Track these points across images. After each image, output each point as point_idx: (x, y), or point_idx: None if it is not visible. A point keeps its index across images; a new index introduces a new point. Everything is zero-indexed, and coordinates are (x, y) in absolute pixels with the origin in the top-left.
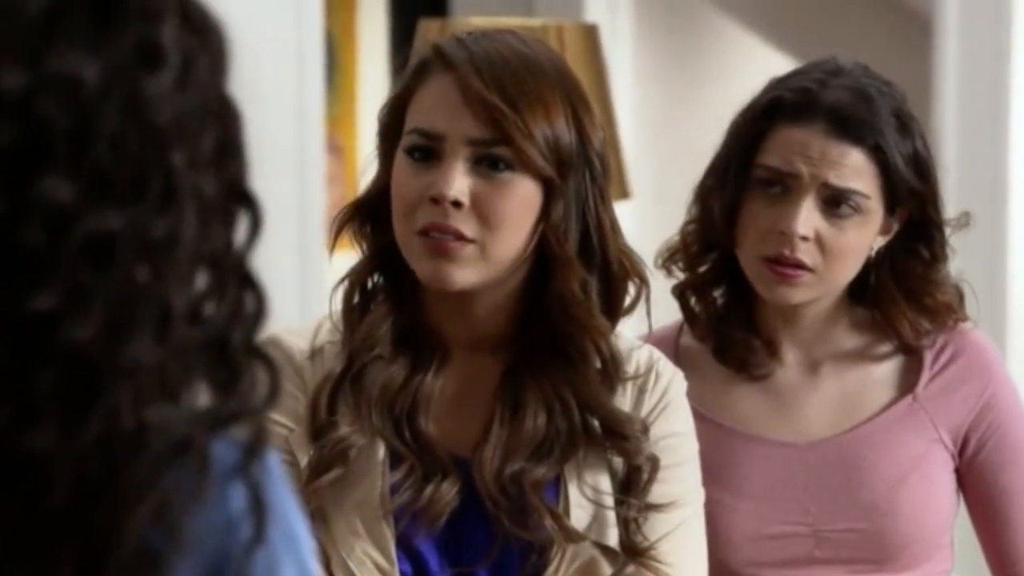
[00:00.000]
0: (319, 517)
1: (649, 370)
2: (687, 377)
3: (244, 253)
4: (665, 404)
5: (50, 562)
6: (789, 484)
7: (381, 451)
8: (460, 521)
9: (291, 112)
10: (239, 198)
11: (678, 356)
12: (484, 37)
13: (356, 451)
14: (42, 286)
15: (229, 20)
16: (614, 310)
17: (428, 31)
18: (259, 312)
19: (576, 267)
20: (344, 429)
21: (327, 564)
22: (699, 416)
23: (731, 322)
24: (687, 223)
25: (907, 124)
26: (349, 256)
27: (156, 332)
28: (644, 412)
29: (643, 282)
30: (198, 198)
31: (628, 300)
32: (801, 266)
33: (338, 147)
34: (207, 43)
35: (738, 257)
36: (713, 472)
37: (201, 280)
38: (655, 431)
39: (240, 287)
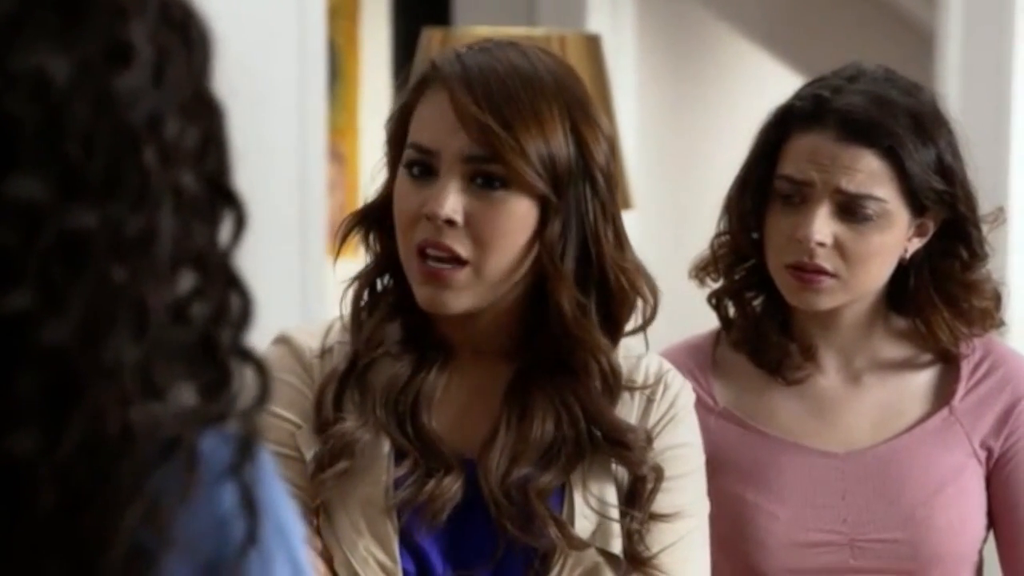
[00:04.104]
0: (324, 513)
1: (658, 381)
2: (724, 385)
3: (228, 252)
4: (673, 415)
5: (40, 567)
6: (827, 492)
7: (386, 447)
8: (464, 523)
9: (293, 120)
10: (222, 196)
11: (715, 364)
12: (482, 51)
13: (362, 446)
14: (16, 286)
15: (232, 29)
16: (614, 327)
17: (431, 40)
18: (245, 313)
19: (568, 285)
20: (350, 423)
21: (330, 562)
22: (738, 422)
23: (767, 326)
24: (717, 236)
25: (927, 126)
26: (349, 262)
27: (135, 332)
28: (651, 422)
29: (643, 299)
30: (176, 196)
31: (641, 317)
32: (822, 271)
33: (340, 155)
34: (187, 40)
35: (767, 267)
36: (752, 478)
37: (186, 280)
38: (662, 441)
39: (225, 287)
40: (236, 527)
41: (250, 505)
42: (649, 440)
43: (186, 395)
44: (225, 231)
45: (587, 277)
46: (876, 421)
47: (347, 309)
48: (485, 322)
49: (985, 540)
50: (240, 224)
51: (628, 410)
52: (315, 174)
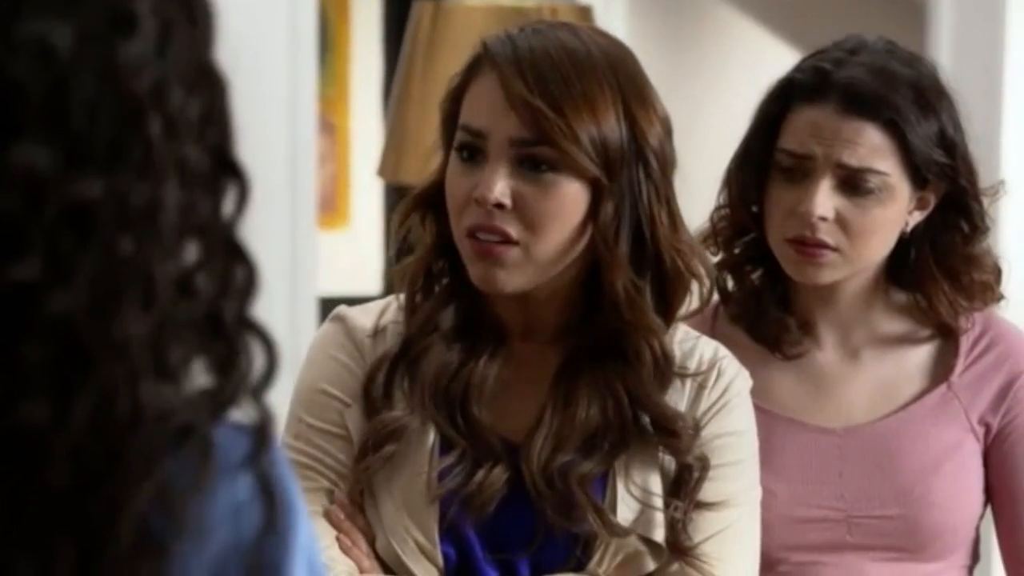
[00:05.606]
0: (368, 494)
1: (711, 367)
2: None
3: (232, 224)
4: (725, 402)
5: (51, 545)
6: (824, 469)
7: (432, 435)
8: (505, 509)
9: (284, 91)
10: (225, 168)
11: (713, 338)
12: (535, 33)
13: (409, 432)
14: (23, 255)
15: (223, 1)
16: (669, 309)
17: (422, 12)
18: (249, 284)
19: (623, 267)
20: (398, 411)
21: (373, 542)
22: None
23: (766, 300)
24: (716, 209)
25: (929, 99)
26: (339, 234)
27: (143, 303)
28: (701, 409)
29: (698, 280)
30: (181, 166)
31: (694, 299)
32: (823, 245)
33: (331, 126)
34: (190, 12)
35: (767, 240)
36: None
37: (191, 252)
38: (712, 429)
39: (228, 259)
40: (253, 516)
41: (268, 494)
42: (696, 427)
43: (197, 381)
44: (228, 202)
45: (642, 259)
46: (874, 397)
47: (403, 291)
48: (538, 305)
49: (982, 516)
50: (243, 195)
51: (679, 396)
52: (305, 145)
